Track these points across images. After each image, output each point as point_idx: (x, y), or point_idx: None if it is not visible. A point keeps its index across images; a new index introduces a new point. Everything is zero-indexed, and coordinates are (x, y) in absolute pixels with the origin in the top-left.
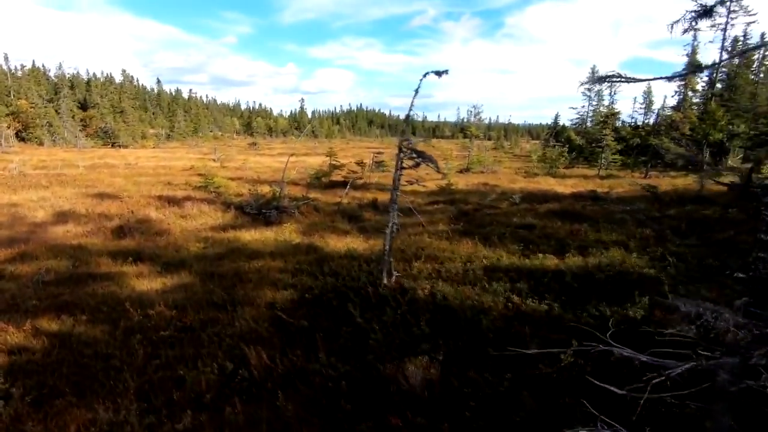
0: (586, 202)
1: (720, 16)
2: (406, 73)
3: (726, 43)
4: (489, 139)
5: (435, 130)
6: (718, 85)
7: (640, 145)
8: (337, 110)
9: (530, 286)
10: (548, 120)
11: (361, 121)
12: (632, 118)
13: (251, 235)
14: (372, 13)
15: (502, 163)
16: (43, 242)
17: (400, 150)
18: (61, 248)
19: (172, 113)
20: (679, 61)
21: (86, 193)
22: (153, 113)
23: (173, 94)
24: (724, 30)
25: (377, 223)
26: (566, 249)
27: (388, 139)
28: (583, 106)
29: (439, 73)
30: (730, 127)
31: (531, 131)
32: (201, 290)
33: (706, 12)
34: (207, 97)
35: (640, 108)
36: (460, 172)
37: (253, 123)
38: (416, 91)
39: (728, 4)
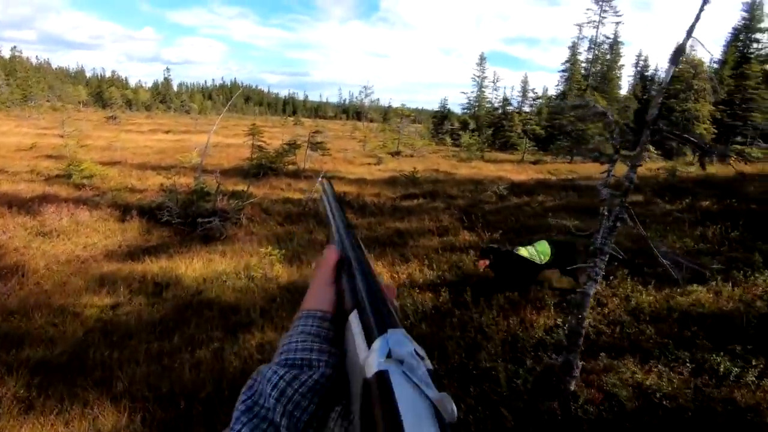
0: (568, 192)
1: None
2: (282, 49)
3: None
4: (371, 121)
5: (317, 110)
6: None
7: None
8: (209, 84)
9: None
10: (422, 104)
11: (237, 98)
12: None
13: (192, 268)
14: None
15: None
16: None
17: (656, 134)
18: None
19: None
20: (528, 57)
21: None
22: None
23: None
24: None
25: (371, 232)
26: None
27: (272, 118)
28: (473, 92)
29: None
30: None
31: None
32: None
33: None
34: (37, 58)
35: (518, 95)
36: (391, 155)
37: (105, 93)
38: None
39: None
